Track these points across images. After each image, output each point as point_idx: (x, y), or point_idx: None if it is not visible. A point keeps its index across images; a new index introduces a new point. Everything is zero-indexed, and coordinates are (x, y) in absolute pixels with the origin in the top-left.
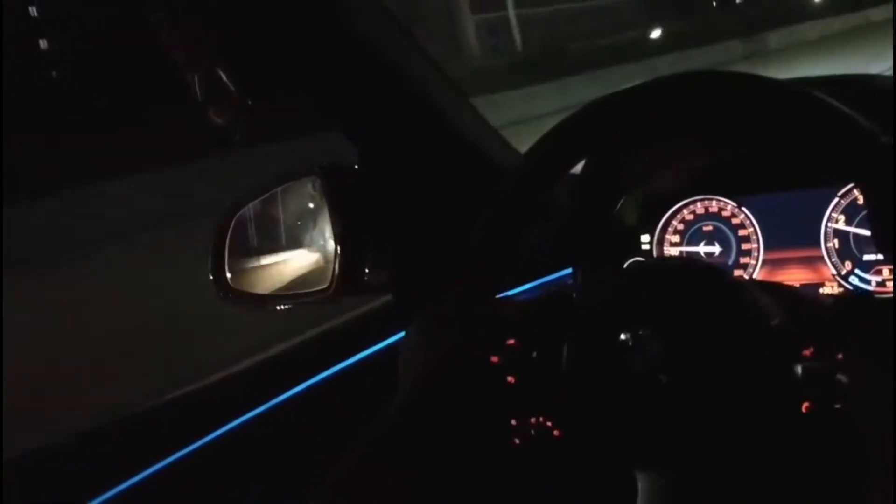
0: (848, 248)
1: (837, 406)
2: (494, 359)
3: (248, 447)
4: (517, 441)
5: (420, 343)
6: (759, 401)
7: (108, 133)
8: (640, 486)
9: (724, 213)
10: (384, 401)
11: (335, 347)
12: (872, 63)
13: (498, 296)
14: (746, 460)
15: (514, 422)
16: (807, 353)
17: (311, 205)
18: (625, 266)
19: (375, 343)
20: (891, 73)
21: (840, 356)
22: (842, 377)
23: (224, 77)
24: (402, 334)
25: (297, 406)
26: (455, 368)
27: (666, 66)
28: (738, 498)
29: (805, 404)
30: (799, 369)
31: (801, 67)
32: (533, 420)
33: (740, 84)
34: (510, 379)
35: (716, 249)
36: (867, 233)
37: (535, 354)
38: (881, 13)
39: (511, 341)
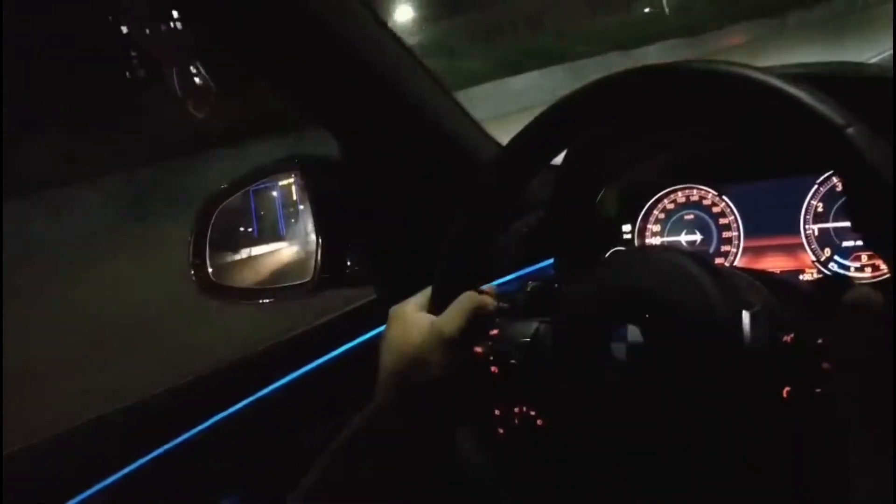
0: (827, 235)
1: (818, 391)
2: (478, 349)
3: (226, 445)
4: (500, 431)
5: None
6: (739, 387)
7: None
8: (625, 475)
9: (705, 202)
10: (364, 397)
11: (314, 343)
12: (863, 50)
13: (479, 287)
14: (729, 446)
15: (497, 411)
16: (787, 338)
17: (293, 198)
18: (606, 256)
19: (354, 338)
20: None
21: (820, 341)
22: (822, 362)
23: (202, 71)
24: (381, 328)
25: (276, 402)
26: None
27: (655, 53)
28: (721, 484)
29: (786, 389)
30: (779, 355)
31: (787, 55)
32: (516, 409)
33: (705, 75)
34: (493, 369)
35: (697, 238)
36: (846, 220)
37: (517, 344)
38: None
39: (494, 332)
